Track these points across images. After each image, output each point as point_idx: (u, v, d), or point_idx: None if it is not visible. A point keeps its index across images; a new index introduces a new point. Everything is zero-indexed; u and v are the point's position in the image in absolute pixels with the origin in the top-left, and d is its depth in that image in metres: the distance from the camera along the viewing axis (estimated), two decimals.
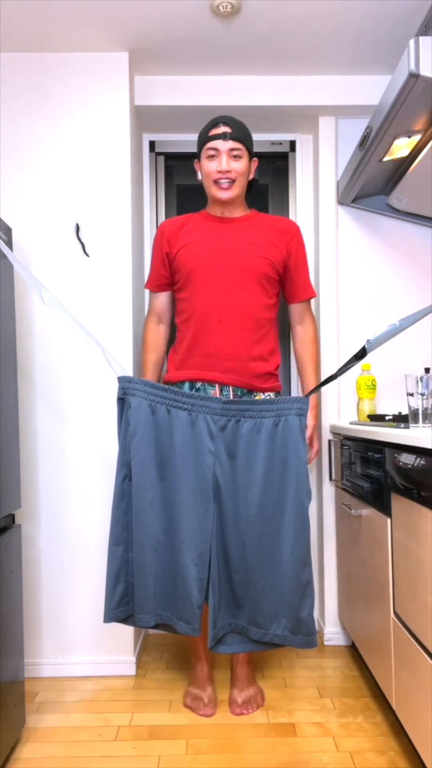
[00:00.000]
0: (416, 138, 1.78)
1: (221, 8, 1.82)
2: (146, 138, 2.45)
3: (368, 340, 1.59)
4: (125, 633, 2.05)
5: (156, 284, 1.88)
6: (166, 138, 2.45)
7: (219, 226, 1.80)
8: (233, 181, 1.75)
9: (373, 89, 2.22)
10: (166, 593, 1.57)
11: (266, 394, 1.77)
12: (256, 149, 2.46)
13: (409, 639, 1.40)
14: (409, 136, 1.77)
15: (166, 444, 1.56)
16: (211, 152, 1.75)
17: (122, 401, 1.58)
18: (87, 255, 2.05)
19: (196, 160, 1.83)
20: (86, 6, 1.83)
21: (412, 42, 1.42)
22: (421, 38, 1.42)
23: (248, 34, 1.97)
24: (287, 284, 1.86)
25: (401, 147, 1.83)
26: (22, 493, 2.05)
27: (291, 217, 2.49)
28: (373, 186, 2.15)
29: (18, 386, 1.82)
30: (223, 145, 1.73)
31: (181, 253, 1.79)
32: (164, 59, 2.11)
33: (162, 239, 1.84)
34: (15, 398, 1.63)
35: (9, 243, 1.65)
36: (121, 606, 1.58)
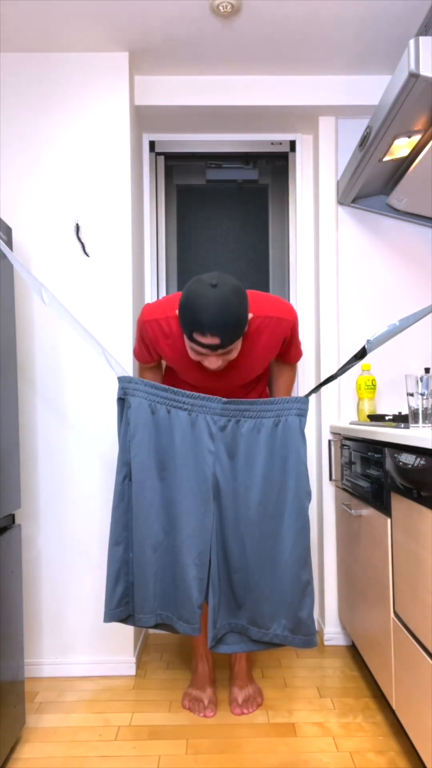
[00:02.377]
0: (416, 138, 1.78)
1: (221, 8, 1.82)
2: (146, 138, 2.45)
3: (368, 340, 1.59)
4: (125, 633, 2.05)
5: (147, 359, 1.79)
6: (166, 138, 2.45)
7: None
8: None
9: (373, 89, 2.22)
10: (166, 593, 1.57)
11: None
12: (256, 149, 2.47)
13: (409, 639, 1.40)
14: (409, 136, 1.77)
15: (166, 444, 1.56)
16: (198, 348, 1.48)
17: (122, 401, 1.58)
18: (87, 255, 2.05)
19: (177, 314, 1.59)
20: (86, 6, 1.83)
21: (412, 42, 1.42)
22: (421, 38, 1.42)
23: (248, 34, 1.97)
24: (281, 355, 1.81)
25: (401, 147, 1.83)
26: (22, 493, 2.05)
27: (291, 217, 2.49)
28: (373, 186, 2.15)
29: (18, 386, 1.82)
30: (211, 353, 1.50)
31: (174, 365, 1.70)
32: (164, 59, 2.11)
33: (150, 344, 1.70)
34: (15, 398, 1.63)
35: (9, 243, 1.65)
36: (121, 606, 1.58)
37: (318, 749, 1.58)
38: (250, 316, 1.55)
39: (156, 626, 1.59)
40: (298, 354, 1.85)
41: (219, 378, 1.70)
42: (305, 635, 1.54)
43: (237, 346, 1.53)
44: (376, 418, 1.98)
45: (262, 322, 1.63)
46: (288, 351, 1.80)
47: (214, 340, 1.43)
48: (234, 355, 1.54)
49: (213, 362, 1.52)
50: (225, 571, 1.57)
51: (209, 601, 1.54)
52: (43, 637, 2.05)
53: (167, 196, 2.51)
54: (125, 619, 1.60)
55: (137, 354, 1.81)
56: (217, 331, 1.41)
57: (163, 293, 2.50)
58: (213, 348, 1.46)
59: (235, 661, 1.84)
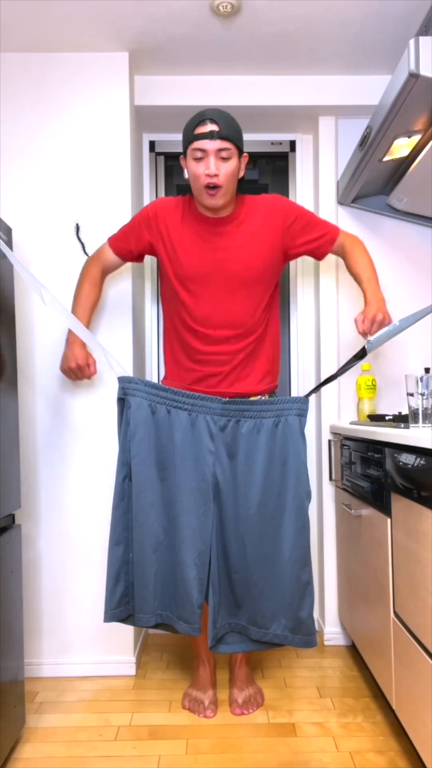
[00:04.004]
0: (416, 138, 1.78)
1: (221, 8, 1.82)
2: (146, 138, 2.45)
3: (368, 340, 1.59)
4: (125, 633, 2.05)
5: (120, 250, 1.81)
6: (166, 138, 2.45)
7: (210, 230, 1.71)
8: (221, 186, 1.64)
9: (373, 89, 2.22)
10: (166, 593, 1.57)
11: (260, 397, 1.75)
12: (256, 149, 2.46)
13: (409, 639, 1.40)
14: (409, 136, 1.77)
15: (166, 444, 1.56)
16: (198, 153, 1.61)
17: (122, 401, 1.58)
18: (87, 255, 2.05)
19: (182, 156, 1.70)
20: (86, 6, 1.83)
21: (412, 42, 1.42)
22: (421, 38, 1.42)
23: (248, 34, 1.97)
24: (310, 244, 1.77)
25: (401, 147, 1.83)
26: (22, 493, 2.05)
27: None
28: (373, 186, 2.15)
29: (18, 386, 1.82)
30: (211, 145, 1.60)
31: (172, 256, 1.72)
32: (164, 59, 2.11)
33: (151, 223, 1.75)
34: (15, 398, 1.63)
35: (9, 243, 1.65)
36: (122, 606, 1.58)
37: (318, 749, 1.58)
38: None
39: (156, 626, 1.59)
40: (330, 226, 1.79)
41: (219, 263, 1.68)
42: (305, 635, 1.54)
43: (234, 158, 1.63)
44: (376, 418, 1.98)
45: (252, 199, 1.76)
46: (306, 233, 1.75)
47: (213, 126, 1.59)
48: (230, 167, 1.62)
49: (212, 164, 1.59)
50: (225, 570, 1.57)
51: (209, 600, 1.54)
52: (43, 637, 2.05)
53: (167, 196, 2.51)
54: (125, 619, 1.60)
55: (118, 240, 1.80)
56: (217, 118, 1.60)
57: None
58: (213, 135, 1.58)
59: (234, 662, 1.84)
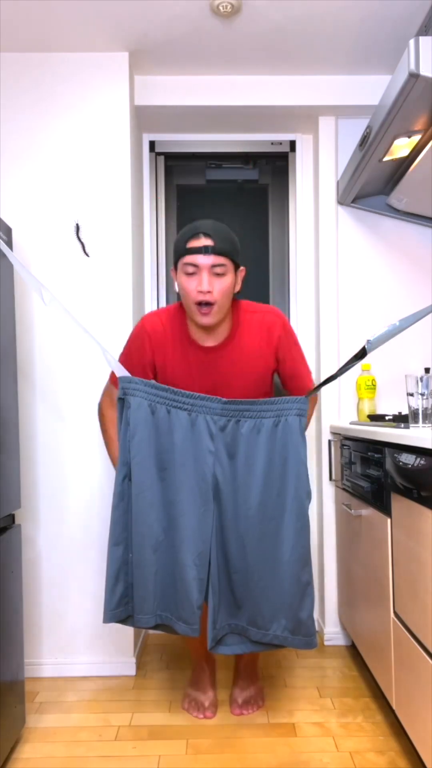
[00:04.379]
0: (416, 138, 1.78)
1: (221, 8, 1.82)
2: (146, 138, 2.45)
3: (368, 340, 1.58)
4: (125, 633, 2.05)
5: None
6: (166, 138, 2.45)
7: (202, 357, 1.64)
8: (215, 303, 1.54)
9: (373, 89, 2.22)
10: (165, 593, 1.57)
11: None
12: (256, 149, 2.47)
13: (409, 639, 1.40)
14: (409, 136, 1.77)
15: (166, 444, 1.55)
16: (190, 269, 1.52)
17: (122, 401, 1.57)
18: (87, 255, 2.05)
19: (172, 268, 1.62)
20: (86, 6, 1.83)
21: (412, 42, 1.42)
22: (421, 38, 1.42)
23: (248, 34, 1.97)
24: (282, 377, 1.73)
25: (401, 147, 1.83)
26: (22, 493, 2.05)
27: (291, 217, 2.49)
28: (373, 186, 2.15)
29: (18, 386, 1.82)
30: (204, 261, 1.51)
31: (164, 375, 1.67)
32: (164, 59, 2.11)
33: (145, 344, 1.66)
34: (15, 398, 1.63)
35: (9, 243, 1.65)
36: (121, 606, 1.57)
37: (318, 749, 1.58)
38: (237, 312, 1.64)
39: (155, 627, 1.58)
40: (306, 380, 1.73)
41: (214, 383, 1.66)
42: (305, 636, 1.54)
43: (229, 275, 1.54)
44: (376, 418, 1.98)
45: (248, 316, 1.66)
46: (289, 368, 1.70)
47: (207, 241, 1.50)
48: (225, 284, 1.53)
49: (205, 280, 1.50)
50: (225, 571, 1.56)
51: (209, 601, 1.54)
52: (43, 637, 2.05)
53: (167, 196, 2.51)
54: (125, 620, 1.59)
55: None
56: (211, 232, 1.51)
57: (162, 293, 2.50)
58: (206, 250, 1.49)
59: (238, 660, 1.85)
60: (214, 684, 1.84)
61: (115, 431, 1.72)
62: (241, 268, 1.62)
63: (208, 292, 1.52)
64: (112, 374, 1.72)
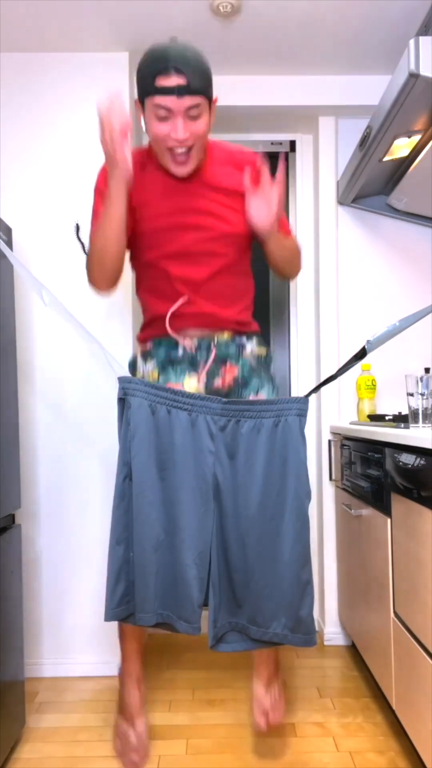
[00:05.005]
0: (416, 138, 1.78)
1: (221, 8, 1.82)
2: (146, 138, 2.44)
3: (368, 341, 1.59)
4: None
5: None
6: None
7: (178, 188, 1.49)
8: (191, 148, 1.38)
9: (373, 89, 2.22)
10: (166, 592, 1.57)
11: (244, 336, 1.64)
12: (256, 149, 2.46)
13: (409, 639, 1.40)
14: (409, 136, 1.77)
15: (167, 444, 1.55)
16: (162, 112, 1.33)
17: (122, 401, 1.57)
18: (87, 255, 2.05)
19: (136, 99, 1.40)
20: (86, 6, 1.83)
21: (412, 42, 1.42)
22: (421, 38, 1.42)
23: (248, 34, 1.97)
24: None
25: (401, 147, 1.83)
26: (22, 493, 2.05)
27: (291, 217, 2.49)
28: (373, 186, 2.15)
29: (18, 386, 1.82)
30: (178, 104, 1.31)
31: (139, 216, 1.51)
32: None
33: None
34: (15, 398, 1.63)
35: (9, 243, 1.65)
36: (122, 605, 1.57)
37: (318, 749, 1.58)
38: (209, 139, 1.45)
39: (156, 625, 1.59)
40: (284, 223, 1.58)
41: (189, 230, 1.50)
42: (305, 634, 1.54)
43: (203, 115, 1.37)
44: (376, 418, 1.98)
45: (223, 156, 1.54)
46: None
47: (179, 79, 1.29)
48: (200, 126, 1.37)
49: (180, 127, 1.33)
50: (225, 570, 1.57)
51: (209, 600, 1.54)
52: (43, 637, 2.05)
53: None
54: (125, 618, 1.60)
55: (97, 206, 1.56)
56: (182, 66, 1.29)
57: None
58: (180, 91, 1.29)
59: (259, 663, 1.67)
60: (143, 706, 1.58)
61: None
62: (215, 98, 1.42)
63: (185, 138, 1.35)
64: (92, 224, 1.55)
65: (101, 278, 1.55)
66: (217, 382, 1.62)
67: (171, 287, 1.57)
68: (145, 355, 1.67)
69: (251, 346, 1.66)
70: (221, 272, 1.58)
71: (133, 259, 1.66)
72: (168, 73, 1.29)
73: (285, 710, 1.65)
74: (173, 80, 1.30)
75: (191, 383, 1.61)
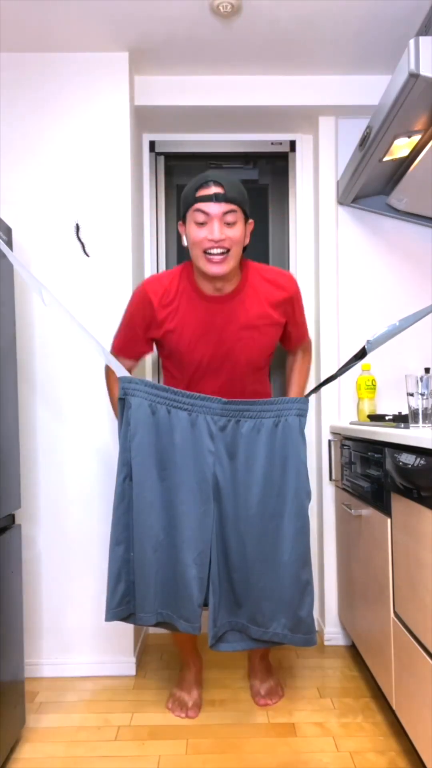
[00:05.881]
0: (416, 138, 1.78)
1: (221, 8, 1.82)
2: (146, 138, 2.45)
3: (368, 341, 1.59)
4: (125, 633, 2.05)
5: (131, 353, 1.70)
6: (166, 138, 2.45)
7: (211, 308, 1.60)
8: (227, 251, 1.51)
9: (373, 89, 2.22)
10: (166, 592, 1.57)
11: None
12: (256, 149, 2.46)
13: (409, 639, 1.40)
14: (409, 136, 1.77)
15: (167, 444, 1.55)
16: (200, 217, 1.49)
17: (123, 401, 1.58)
18: (87, 255, 2.05)
19: (179, 222, 1.58)
20: (86, 6, 1.83)
21: (412, 42, 1.42)
22: (421, 38, 1.42)
23: (248, 34, 1.97)
24: (285, 333, 1.76)
25: (401, 147, 1.83)
26: (22, 493, 2.05)
27: (291, 217, 2.49)
28: (373, 186, 2.15)
29: (18, 386, 1.82)
30: (216, 209, 1.48)
31: (170, 338, 1.63)
32: (164, 59, 2.11)
33: (146, 308, 1.62)
34: (15, 398, 1.63)
35: (9, 243, 1.65)
36: (123, 605, 1.58)
37: (318, 749, 1.58)
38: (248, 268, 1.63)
39: (157, 624, 1.60)
40: (304, 334, 1.79)
41: (221, 346, 1.61)
42: (305, 633, 1.55)
43: (239, 224, 1.52)
44: (376, 418, 1.98)
45: (258, 275, 1.65)
46: (293, 329, 1.74)
47: (217, 189, 1.48)
48: (236, 232, 1.51)
49: (216, 229, 1.48)
50: (225, 570, 1.57)
51: (209, 599, 1.55)
52: (43, 637, 2.05)
53: (167, 196, 2.51)
54: (126, 618, 1.60)
55: (122, 344, 1.69)
56: (221, 180, 1.49)
57: None
58: (218, 197, 1.47)
59: (253, 655, 1.87)
60: (200, 684, 1.84)
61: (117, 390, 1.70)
62: (250, 221, 1.59)
63: (221, 239, 1.49)
64: (115, 346, 1.72)
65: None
66: None
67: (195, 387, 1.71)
68: None
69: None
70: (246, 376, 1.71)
71: (162, 357, 1.77)
72: (207, 185, 1.49)
73: (281, 696, 1.83)
74: (212, 189, 1.49)
75: None
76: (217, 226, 1.49)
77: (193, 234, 1.52)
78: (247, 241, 1.60)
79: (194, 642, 1.85)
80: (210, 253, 1.51)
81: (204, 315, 1.61)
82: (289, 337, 1.78)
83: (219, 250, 1.51)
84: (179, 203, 1.54)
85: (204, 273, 1.56)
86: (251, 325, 1.63)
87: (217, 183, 1.49)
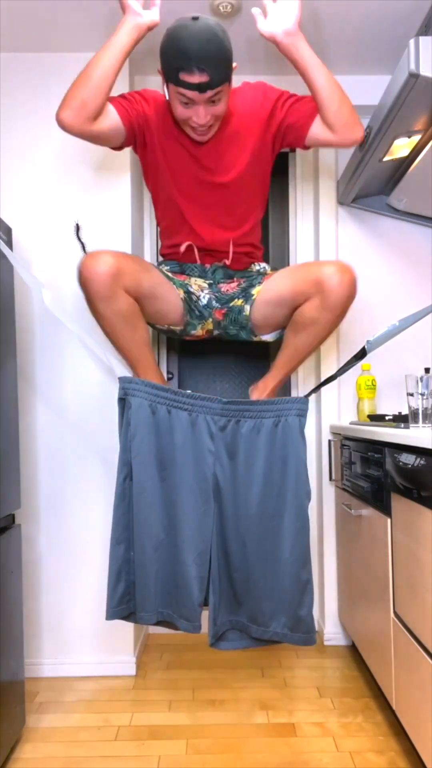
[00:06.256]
0: (416, 138, 1.78)
1: (221, 8, 1.82)
2: None
3: (368, 341, 1.59)
4: (125, 633, 2.05)
5: (122, 109, 1.55)
6: None
7: (196, 153, 1.57)
8: (212, 126, 1.49)
9: (373, 89, 2.21)
10: (167, 591, 1.57)
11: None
12: None
13: (409, 639, 1.40)
14: (409, 136, 1.77)
15: (167, 444, 1.56)
16: (184, 99, 1.42)
17: (123, 401, 1.58)
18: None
19: (159, 69, 1.46)
20: (86, 6, 1.83)
21: (412, 42, 1.43)
22: (421, 38, 1.42)
23: (248, 34, 1.97)
24: (289, 134, 1.61)
25: (401, 147, 1.83)
26: (22, 493, 2.05)
27: (291, 217, 2.49)
28: (373, 186, 2.15)
29: (18, 386, 1.82)
30: (200, 97, 1.41)
31: (159, 171, 1.60)
32: None
33: (141, 114, 1.55)
34: (15, 398, 1.63)
35: (9, 243, 1.65)
36: (123, 604, 1.58)
37: (318, 749, 1.58)
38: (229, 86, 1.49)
39: (157, 624, 1.60)
40: (311, 108, 1.57)
41: (203, 182, 1.59)
42: (304, 633, 1.55)
43: (224, 97, 1.45)
44: (376, 418, 1.98)
45: (238, 97, 1.57)
46: (294, 117, 1.57)
47: (202, 77, 1.36)
48: (221, 108, 1.46)
49: (201, 114, 1.43)
50: (225, 569, 1.57)
51: (209, 599, 1.55)
52: (43, 637, 2.05)
53: None
54: (127, 617, 1.60)
55: (121, 104, 1.55)
56: (206, 64, 1.35)
57: None
58: (202, 87, 1.38)
59: None
60: None
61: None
62: (234, 65, 1.46)
63: (206, 122, 1.45)
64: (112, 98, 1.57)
65: (76, 100, 1.47)
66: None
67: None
68: None
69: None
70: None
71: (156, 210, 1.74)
72: (191, 71, 1.36)
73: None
74: (196, 78, 1.36)
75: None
76: (203, 111, 1.43)
77: (178, 110, 1.46)
78: (232, 87, 1.51)
79: None
80: (195, 129, 1.48)
81: (188, 160, 1.59)
82: (296, 125, 1.58)
83: (204, 128, 1.48)
84: (160, 59, 1.41)
85: (189, 135, 1.52)
86: (242, 171, 1.59)
87: (201, 69, 1.35)
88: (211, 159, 1.59)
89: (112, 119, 1.53)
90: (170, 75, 1.40)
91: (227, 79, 1.43)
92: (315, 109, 1.57)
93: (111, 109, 1.53)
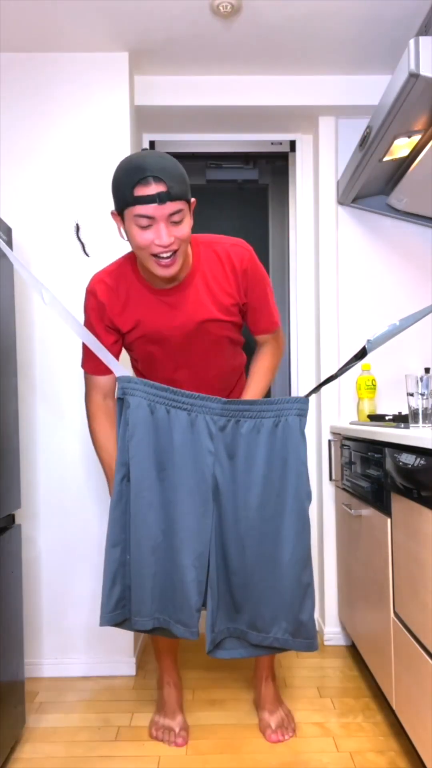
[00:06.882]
0: (416, 138, 1.78)
1: (221, 8, 1.82)
2: (146, 138, 2.45)
3: (368, 340, 1.58)
4: (125, 633, 2.05)
5: (98, 369, 1.60)
6: (166, 138, 2.44)
7: (165, 301, 1.52)
8: (176, 251, 1.38)
9: (373, 89, 2.22)
10: (164, 596, 1.55)
11: None
12: (256, 149, 2.47)
13: (409, 639, 1.40)
14: (409, 136, 1.77)
15: (166, 444, 1.55)
16: (144, 221, 1.33)
17: (122, 401, 1.57)
18: (87, 255, 2.05)
19: (112, 211, 1.41)
20: (86, 6, 1.83)
21: (412, 42, 1.42)
22: (421, 38, 1.42)
23: (248, 34, 1.97)
24: (248, 317, 1.62)
25: (401, 147, 1.83)
26: (22, 493, 2.05)
27: (291, 217, 2.49)
28: (373, 186, 2.15)
29: (18, 386, 1.82)
30: (160, 212, 1.31)
31: (131, 338, 1.57)
32: (164, 59, 2.11)
33: (100, 312, 1.54)
34: (15, 398, 1.63)
35: (9, 243, 1.65)
36: (118, 609, 1.55)
37: (318, 749, 1.58)
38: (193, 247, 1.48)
39: (152, 630, 1.56)
40: (271, 318, 1.60)
41: (181, 339, 1.56)
42: (306, 638, 1.52)
43: (186, 216, 1.38)
44: (376, 418, 1.98)
45: (209, 250, 1.52)
46: (256, 307, 1.58)
47: (159, 187, 1.29)
48: (184, 230, 1.37)
49: (163, 234, 1.33)
50: (224, 573, 1.55)
51: (207, 604, 1.52)
52: (43, 637, 2.05)
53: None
54: (121, 623, 1.57)
55: (85, 360, 1.60)
56: (162, 174, 1.29)
57: None
58: (161, 197, 1.29)
59: (260, 682, 1.76)
60: (182, 706, 1.74)
61: (105, 436, 1.64)
62: (193, 200, 1.42)
63: (170, 244, 1.35)
64: (84, 366, 1.61)
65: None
66: None
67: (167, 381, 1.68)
68: None
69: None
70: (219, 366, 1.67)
71: (132, 360, 1.74)
72: (147, 183, 1.30)
73: (294, 729, 1.68)
74: (153, 188, 1.30)
75: None
76: (164, 231, 1.34)
77: (138, 238, 1.37)
78: (192, 220, 1.44)
79: (177, 661, 1.79)
80: (160, 257, 1.39)
81: (158, 311, 1.54)
82: (251, 322, 1.61)
83: (168, 254, 1.39)
84: (113, 190, 1.36)
85: (153, 273, 1.46)
86: (210, 319, 1.55)
87: (157, 178, 1.29)
88: (186, 310, 1.53)
89: (104, 381, 1.64)
90: (126, 198, 1.33)
91: (185, 195, 1.36)
92: (268, 329, 1.64)
93: (95, 379, 1.63)
